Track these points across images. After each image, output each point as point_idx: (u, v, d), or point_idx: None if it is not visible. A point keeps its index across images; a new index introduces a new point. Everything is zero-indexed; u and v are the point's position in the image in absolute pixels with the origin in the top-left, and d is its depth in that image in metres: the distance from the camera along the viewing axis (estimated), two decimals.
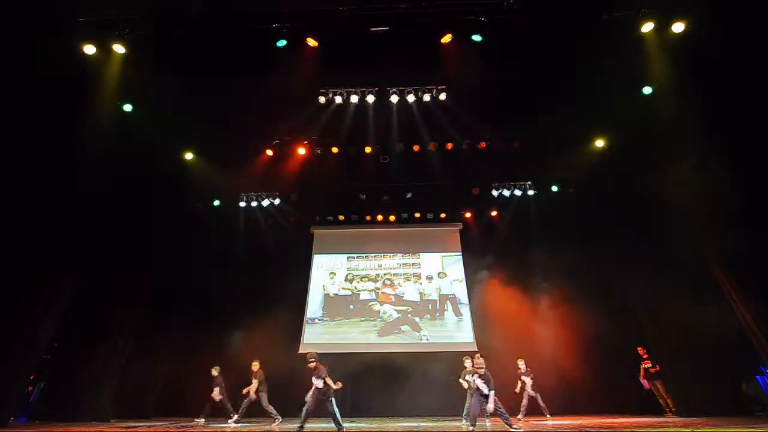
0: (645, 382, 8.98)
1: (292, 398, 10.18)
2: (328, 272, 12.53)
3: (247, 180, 11.09)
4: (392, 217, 12.71)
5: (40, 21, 6.80)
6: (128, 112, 8.45)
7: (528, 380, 8.21)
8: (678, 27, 7.14)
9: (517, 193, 11.34)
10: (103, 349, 8.92)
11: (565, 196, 11.44)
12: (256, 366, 8.37)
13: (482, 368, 6.40)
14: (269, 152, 10.29)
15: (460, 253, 12.54)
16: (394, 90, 8.78)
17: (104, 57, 7.43)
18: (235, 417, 8.22)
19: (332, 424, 6.45)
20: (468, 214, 12.65)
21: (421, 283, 12.15)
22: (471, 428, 6.04)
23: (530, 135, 9.57)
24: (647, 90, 8.26)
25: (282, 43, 7.52)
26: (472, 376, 6.55)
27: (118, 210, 9.00)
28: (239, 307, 11.27)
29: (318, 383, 6.37)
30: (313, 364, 6.41)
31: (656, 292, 9.57)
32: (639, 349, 9.33)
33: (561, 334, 10.35)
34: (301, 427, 6.26)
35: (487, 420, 7.67)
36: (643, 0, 7.09)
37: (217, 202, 11.92)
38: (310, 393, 6.40)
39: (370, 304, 11.85)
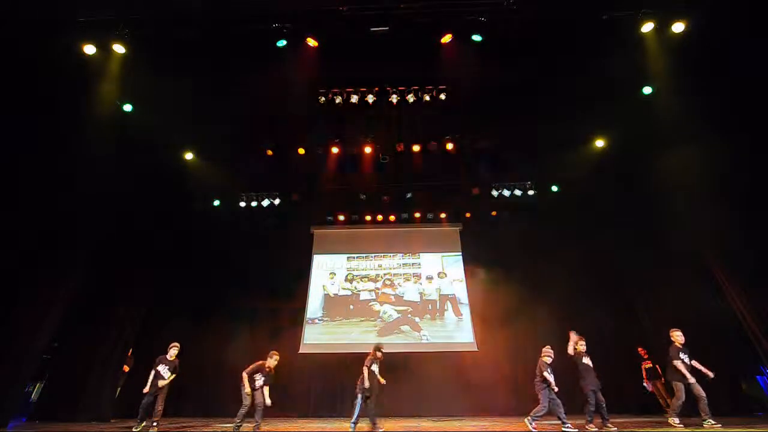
0: (649, 385, 8.95)
1: (293, 398, 10.23)
2: (328, 272, 12.53)
3: (247, 180, 11.10)
4: (392, 217, 12.72)
5: (40, 21, 6.80)
6: (128, 112, 8.45)
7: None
8: (678, 27, 7.14)
9: (517, 193, 11.34)
10: (103, 349, 8.91)
11: (565, 196, 11.44)
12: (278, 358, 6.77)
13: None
14: (269, 152, 10.29)
15: (460, 253, 12.54)
16: (394, 90, 8.78)
17: (104, 57, 7.42)
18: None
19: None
20: (468, 214, 12.64)
21: (421, 283, 12.15)
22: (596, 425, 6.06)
23: (530, 135, 9.56)
24: (647, 90, 8.27)
25: (282, 43, 7.52)
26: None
27: (118, 210, 9.00)
28: (239, 307, 11.27)
29: (376, 370, 6.52)
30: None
31: (656, 292, 9.59)
32: (639, 349, 9.32)
33: (561, 334, 10.32)
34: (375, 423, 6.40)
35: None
36: (643, 0, 7.09)
37: (217, 202, 11.93)
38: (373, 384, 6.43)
39: (370, 304, 11.85)
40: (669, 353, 6.59)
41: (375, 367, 6.55)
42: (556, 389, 6.19)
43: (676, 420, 6.31)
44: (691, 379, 6.31)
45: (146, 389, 6.69)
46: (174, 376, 6.82)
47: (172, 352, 6.96)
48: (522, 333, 10.55)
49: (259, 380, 6.47)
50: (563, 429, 6.00)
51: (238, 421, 6.24)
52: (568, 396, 6.83)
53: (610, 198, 10.44)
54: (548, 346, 6.62)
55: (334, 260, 12.76)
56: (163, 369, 6.75)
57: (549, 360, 6.46)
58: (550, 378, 6.23)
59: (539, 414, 6.12)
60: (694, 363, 6.49)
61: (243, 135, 9.72)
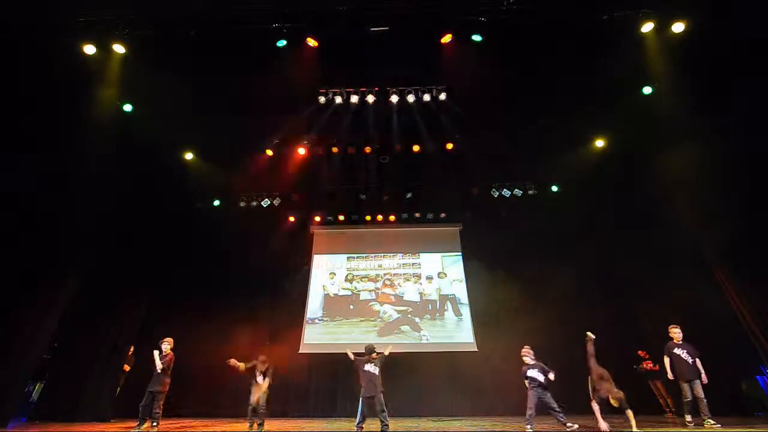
0: (640, 368, 9.11)
1: (293, 398, 10.24)
2: (328, 272, 12.53)
3: (247, 180, 11.10)
4: (392, 217, 12.70)
5: (40, 21, 6.80)
6: (128, 112, 8.45)
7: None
8: (678, 27, 7.14)
9: (517, 193, 11.33)
10: (103, 349, 8.91)
11: (565, 196, 11.43)
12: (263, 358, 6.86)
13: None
14: (269, 152, 10.29)
15: (460, 253, 12.54)
16: (394, 90, 8.78)
17: (104, 57, 7.42)
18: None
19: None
20: (468, 214, 12.64)
21: (421, 283, 12.15)
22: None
23: (530, 135, 9.56)
24: (647, 90, 8.27)
25: (282, 43, 7.52)
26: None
27: (118, 210, 9.00)
28: (239, 307, 11.26)
29: (376, 371, 6.35)
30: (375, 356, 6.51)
31: (656, 293, 9.59)
32: (639, 352, 9.32)
33: (561, 334, 10.33)
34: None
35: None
36: (643, 0, 7.09)
37: (217, 202, 11.93)
38: (377, 384, 6.28)
39: (370, 304, 11.85)
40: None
41: (369, 367, 6.39)
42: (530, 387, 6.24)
43: (688, 417, 6.39)
44: (669, 375, 6.57)
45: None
46: (161, 367, 6.74)
47: (164, 347, 6.97)
48: (522, 333, 10.50)
49: (262, 381, 6.56)
50: (566, 429, 5.97)
51: (249, 418, 6.44)
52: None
53: (610, 198, 10.44)
54: (526, 347, 6.67)
55: (334, 260, 12.76)
56: (159, 366, 6.81)
57: (527, 359, 6.47)
58: (532, 375, 6.26)
59: (528, 415, 6.11)
60: (697, 361, 6.54)
61: (243, 135, 9.71)
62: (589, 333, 6.63)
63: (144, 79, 7.70)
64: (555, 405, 6.08)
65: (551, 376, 6.25)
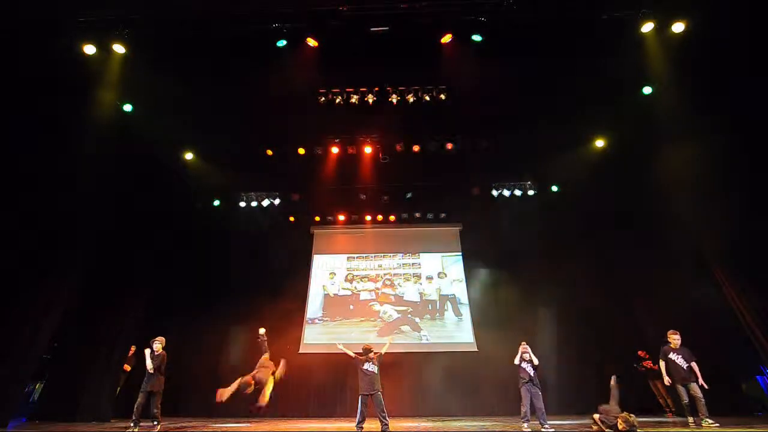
0: (640, 367, 9.16)
1: (293, 398, 10.23)
2: (328, 272, 12.53)
3: (247, 180, 11.09)
4: (392, 217, 12.71)
5: (40, 21, 6.79)
6: (128, 112, 8.45)
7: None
8: (678, 27, 7.14)
9: (517, 193, 11.33)
10: (103, 349, 8.91)
11: (565, 196, 11.43)
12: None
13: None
14: (269, 152, 10.28)
15: (460, 253, 12.54)
16: (394, 90, 8.77)
17: (104, 57, 7.41)
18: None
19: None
20: (468, 214, 12.63)
21: (421, 284, 12.15)
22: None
23: (530, 135, 9.56)
24: (647, 90, 8.27)
25: (282, 43, 7.52)
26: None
27: (118, 210, 9.00)
28: (239, 307, 11.27)
29: (375, 370, 6.37)
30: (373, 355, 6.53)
31: (656, 293, 9.59)
32: (640, 352, 9.33)
33: (561, 334, 10.35)
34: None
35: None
36: (643, 0, 7.09)
37: (217, 202, 11.93)
38: (375, 383, 6.30)
39: (370, 304, 11.85)
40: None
41: (368, 366, 6.40)
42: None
43: (690, 419, 6.43)
44: (666, 380, 6.68)
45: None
46: (152, 367, 6.68)
47: (156, 346, 6.91)
48: (522, 333, 10.47)
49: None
50: (542, 430, 5.98)
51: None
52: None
53: (610, 198, 10.43)
54: (524, 343, 6.74)
55: (334, 260, 12.76)
56: (149, 365, 6.74)
57: (526, 356, 6.52)
58: (524, 368, 6.36)
59: (523, 413, 6.16)
60: (693, 365, 6.57)
61: (243, 135, 9.71)
62: (612, 380, 6.57)
63: (144, 79, 7.70)
64: (542, 405, 6.16)
65: (534, 360, 6.40)
